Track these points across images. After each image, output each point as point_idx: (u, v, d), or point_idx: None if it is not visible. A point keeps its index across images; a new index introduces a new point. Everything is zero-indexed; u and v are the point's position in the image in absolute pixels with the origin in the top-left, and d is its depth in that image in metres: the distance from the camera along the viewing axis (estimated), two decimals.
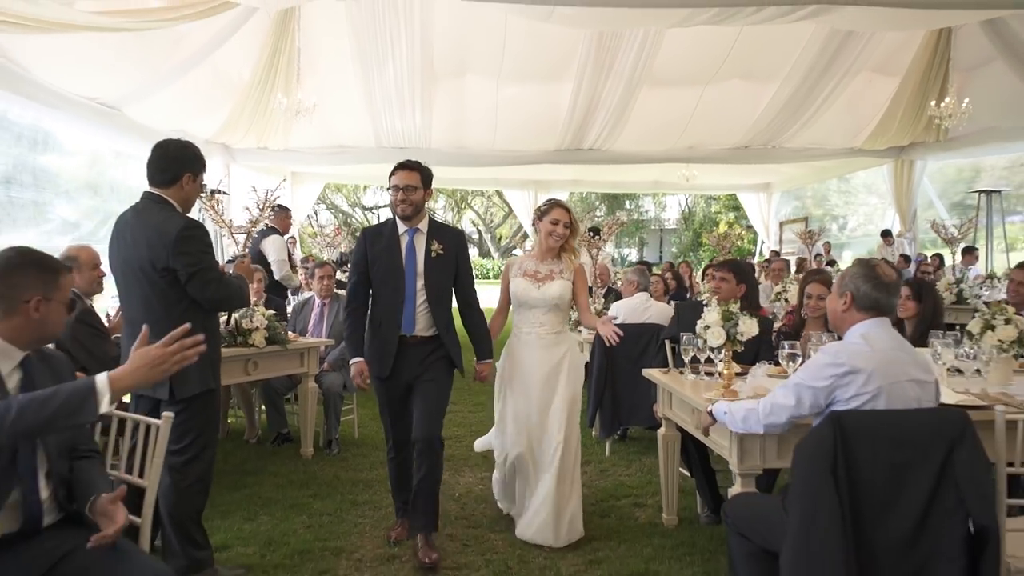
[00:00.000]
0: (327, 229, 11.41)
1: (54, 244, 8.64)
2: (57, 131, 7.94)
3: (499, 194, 26.69)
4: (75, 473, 2.00)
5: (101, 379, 1.77)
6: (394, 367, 3.47)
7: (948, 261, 10.02)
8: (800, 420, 2.43)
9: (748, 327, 3.18)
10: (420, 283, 3.50)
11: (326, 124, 10.38)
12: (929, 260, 10.48)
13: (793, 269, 10.68)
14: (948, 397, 2.82)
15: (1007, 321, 3.26)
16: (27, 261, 1.96)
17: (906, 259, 10.76)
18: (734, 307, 3.25)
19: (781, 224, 16.89)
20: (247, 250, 4.43)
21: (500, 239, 33.43)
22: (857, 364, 2.26)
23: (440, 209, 32.66)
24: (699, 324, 3.26)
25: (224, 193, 9.79)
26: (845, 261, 17.35)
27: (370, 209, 32.92)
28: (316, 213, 26.65)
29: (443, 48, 9.35)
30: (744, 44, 9.06)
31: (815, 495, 2.14)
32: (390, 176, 3.57)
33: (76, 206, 8.80)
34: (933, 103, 8.97)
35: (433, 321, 3.51)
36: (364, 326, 3.58)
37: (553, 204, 3.81)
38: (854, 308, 2.44)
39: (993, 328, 3.26)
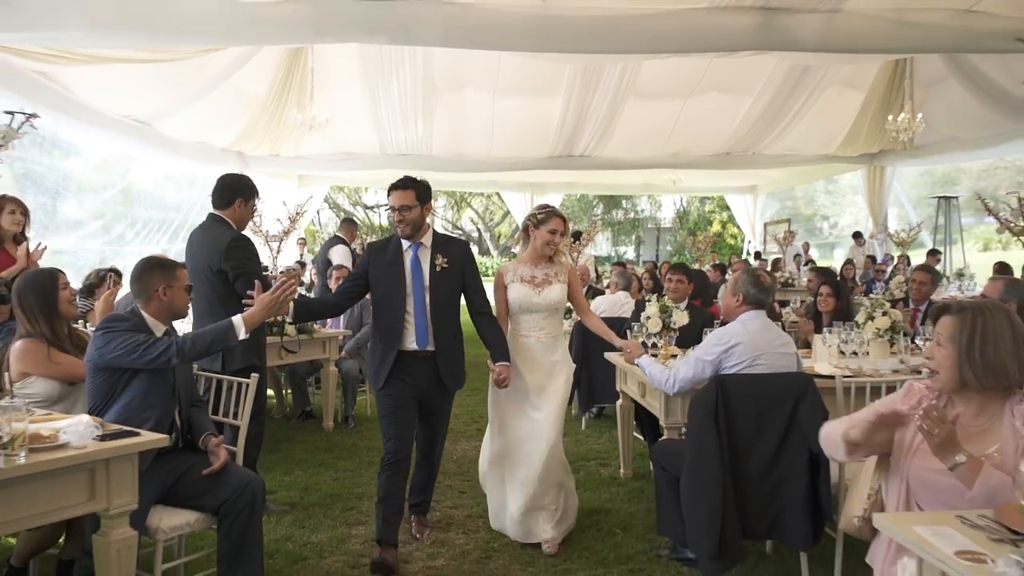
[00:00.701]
0: (329, 228, 12.41)
1: (87, 246, 9.62)
2: (96, 145, 8.88)
3: (498, 194, 27.59)
4: (192, 416, 2.96)
5: (236, 319, 2.86)
6: (400, 379, 3.52)
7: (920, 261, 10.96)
8: (699, 383, 3.39)
9: (680, 317, 4.14)
10: (428, 297, 3.53)
11: (334, 133, 11.26)
12: (896, 260, 11.44)
13: (770, 268, 11.64)
14: (825, 369, 3.78)
15: (884, 313, 4.20)
16: (153, 263, 2.93)
17: (872, 260, 11.70)
18: (670, 302, 4.21)
19: (765, 225, 17.82)
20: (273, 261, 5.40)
21: (499, 237, 34.32)
22: (735, 340, 3.22)
23: (440, 208, 33.64)
24: (642, 315, 4.22)
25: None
26: (836, 260, 18.28)
27: (371, 208, 33.84)
28: (319, 213, 27.57)
29: (443, 65, 10.25)
30: (719, 62, 9.96)
31: (702, 434, 3.08)
32: (387, 195, 3.62)
33: (107, 213, 9.74)
34: (890, 117, 9.91)
35: (434, 337, 3.55)
36: (328, 301, 3.99)
37: (550, 213, 3.85)
38: (744, 304, 3.39)
39: (873, 318, 4.20)
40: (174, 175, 11.29)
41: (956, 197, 12.49)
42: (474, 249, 33.04)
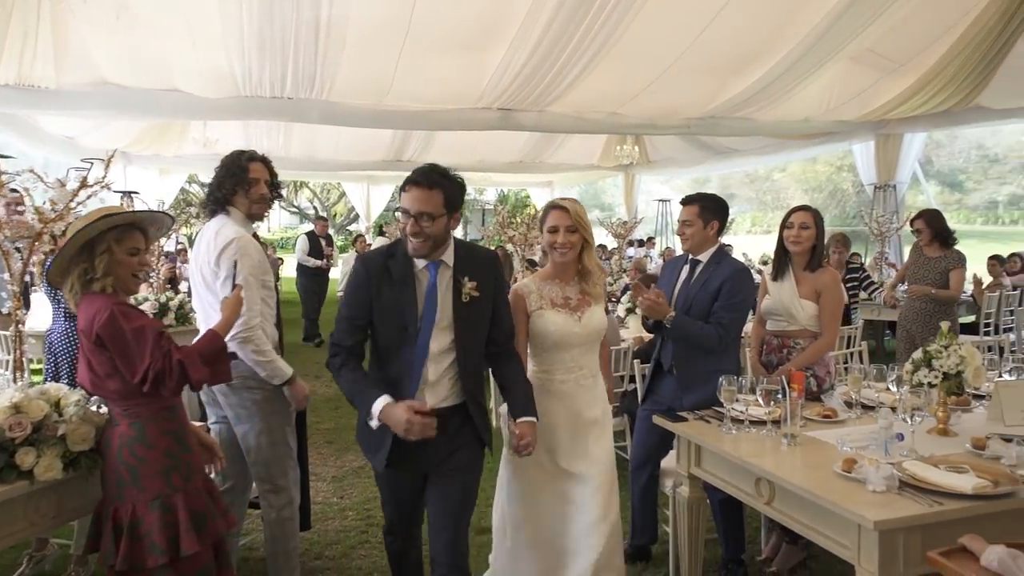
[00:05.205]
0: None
1: None
2: (37, 156, 12.15)
3: None
4: None
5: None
6: (402, 453, 2.73)
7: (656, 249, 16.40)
8: None
9: None
10: (448, 339, 2.72)
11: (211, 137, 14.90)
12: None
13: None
14: None
15: None
16: None
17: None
18: None
19: None
20: None
21: (336, 216, 37.91)
22: None
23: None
24: None
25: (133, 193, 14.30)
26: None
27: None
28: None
29: None
30: None
31: None
32: (401, 190, 2.79)
33: None
34: (618, 147, 15.12)
35: (462, 387, 2.77)
36: (359, 371, 2.80)
37: (548, 207, 3.20)
38: None
39: None
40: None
41: (669, 200, 18.16)
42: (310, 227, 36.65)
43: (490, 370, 3.10)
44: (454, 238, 2.84)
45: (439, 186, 2.70)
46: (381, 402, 2.66)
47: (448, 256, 2.80)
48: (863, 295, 8.43)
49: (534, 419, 2.86)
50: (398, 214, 2.88)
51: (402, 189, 2.75)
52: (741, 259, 14.00)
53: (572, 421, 3.14)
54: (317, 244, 12.29)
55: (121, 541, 2.61)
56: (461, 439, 2.84)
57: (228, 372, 2.89)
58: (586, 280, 3.18)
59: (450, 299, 2.76)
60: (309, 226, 35.39)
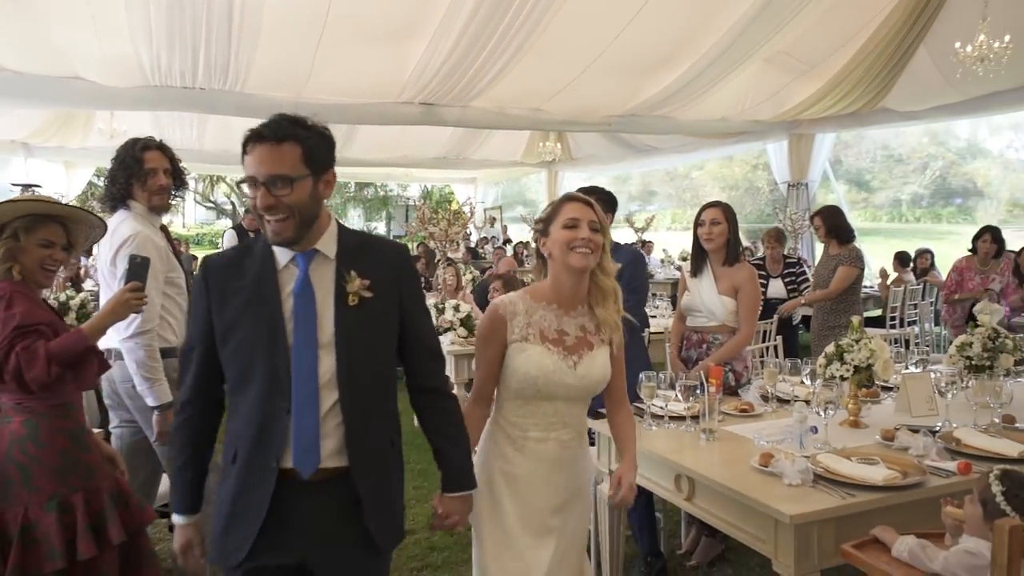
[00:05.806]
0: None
1: None
2: None
3: None
4: None
5: None
6: (266, 541, 1.88)
7: None
8: None
9: None
10: (328, 361, 1.89)
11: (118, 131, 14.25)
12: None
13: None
14: None
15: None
16: None
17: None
18: None
19: (485, 211, 22.95)
20: None
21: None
22: None
23: (191, 179, 35.43)
24: None
25: (34, 185, 13.55)
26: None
27: None
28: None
29: None
30: None
31: None
32: (242, 154, 1.93)
33: None
34: (541, 144, 15.17)
35: (347, 441, 1.89)
36: (203, 452, 2.03)
37: (562, 200, 2.42)
38: None
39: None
40: None
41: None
42: (226, 223, 35.15)
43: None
44: (339, 223, 2.04)
45: (293, 138, 1.92)
46: (178, 517, 2.06)
47: (327, 244, 1.97)
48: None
49: (468, 492, 2.16)
50: (244, 187, 1.94)
51: (243, 152, 1.93)
52: (661, 255, 14.33)
53: (547, 494, 2.40)
54: (246, 239, 11.93)
55: (10, 549, 2.43)
56: (351, 525, 1.93)
57: (91, 377, 2.70)
58: (597, 308, 2.37)
59: (331, 303, 1.92)
60: (227, 222, 34.46)
